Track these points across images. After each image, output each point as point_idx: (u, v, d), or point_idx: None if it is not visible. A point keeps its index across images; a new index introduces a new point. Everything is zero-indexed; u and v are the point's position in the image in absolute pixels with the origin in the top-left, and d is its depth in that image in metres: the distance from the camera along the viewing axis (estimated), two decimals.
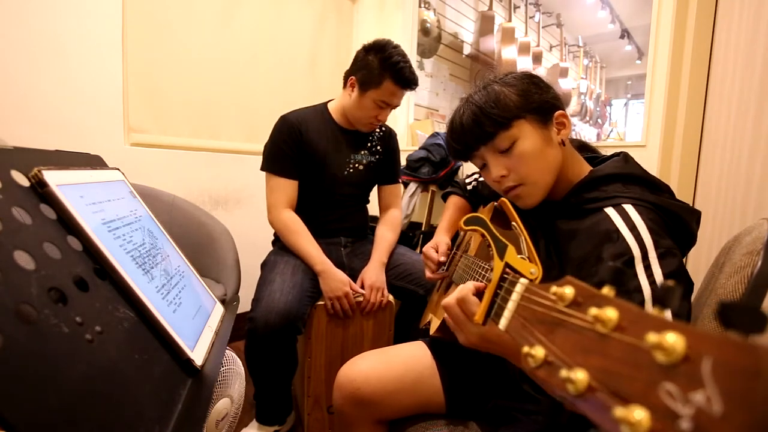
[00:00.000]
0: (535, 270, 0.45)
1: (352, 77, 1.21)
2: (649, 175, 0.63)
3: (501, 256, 0.47)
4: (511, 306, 0.36)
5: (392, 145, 1.39)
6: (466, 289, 0.53)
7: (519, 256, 0.47)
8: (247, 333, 1.06)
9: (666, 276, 0.51)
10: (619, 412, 0.19)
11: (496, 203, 0.82)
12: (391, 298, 1.24)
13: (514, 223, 0.63)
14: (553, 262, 0.65)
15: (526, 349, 0.28)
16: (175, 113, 1.70)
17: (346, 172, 1.30)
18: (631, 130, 2.69)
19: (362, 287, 1.20)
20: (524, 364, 0.28)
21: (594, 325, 0.23)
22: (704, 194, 1.29)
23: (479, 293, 0.53)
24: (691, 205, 0.61)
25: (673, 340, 0.18)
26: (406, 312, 1.34)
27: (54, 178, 0.43)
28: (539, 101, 0.64)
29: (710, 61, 1.29)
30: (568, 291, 0.27)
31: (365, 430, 0.77)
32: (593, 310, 0.24)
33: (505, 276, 0.43)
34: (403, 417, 0.78)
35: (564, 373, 0.23)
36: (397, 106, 1.24)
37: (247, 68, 1.90)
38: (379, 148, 1.35)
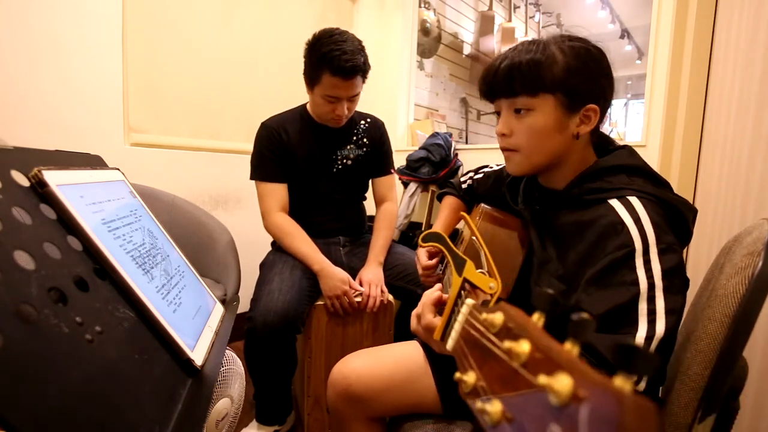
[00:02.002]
0: (494, 284, 0.44)
1: (304, 76, 1.20)
2: (651, 169, 0.63)
3: (459, 272, 0.46)
4: (457, 327, 0.36)
5: (379, 135, 1.36)
6: (427, 303, 0.55)
7: (479, 270, 0.46)
8: (246, 333, 1.06)
9: (664, 272, 0.51)
10: None
11: (480, 206, 0.82)
12: (390, 298, 1.24)
13: (473, 238, 0.62)
14: (549, 255, 0.65)
15: (457, 375, 0.28)
16: (175, 113, 1.70)
17: (334, 169, 1.30)
18: (631, 130, 2.70)
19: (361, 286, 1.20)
20: (459, 389, 0.27)
21: (511, 359, 0.23)
22: (704, 194, 1.29)
23: (442, 302, 0.54)
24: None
25: (564, 383, 0.18)
26: (405, 312, 1.34)
27: (54, 178, 0.43)
28: (579, 85, 0.60)
29: (710, 61, 1.29)
30: (498, 318, 0.26)
31: (359, 427, 0.78)
32: (507, 343, 0.24)
33: (462, 292, 0.43)
34: (397, 415, 0.78)
35: (480, 403, 0.23)
36: (351, 96, 1.17)
37: (247, 68, 1.90)
38: (365, 140, 1.33)
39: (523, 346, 0.22)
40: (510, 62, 0.61)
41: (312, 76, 1.15)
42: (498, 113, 0.67)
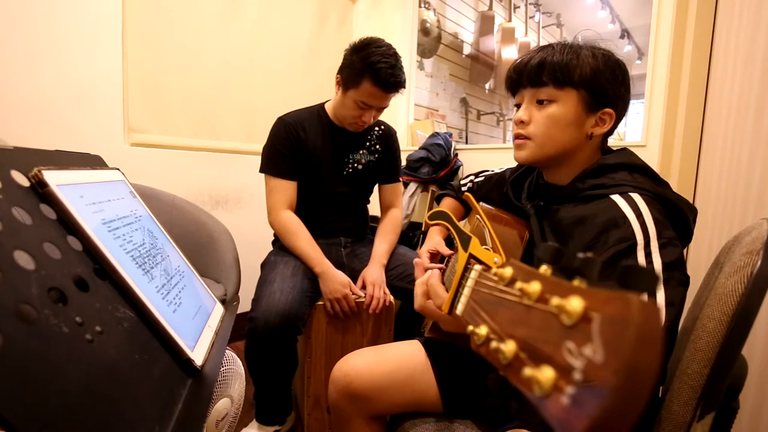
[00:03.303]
0: (498, 259, 0.46)
1: (338, 75, 1.21)
2: (651, 169, 0.65)
3: (465, 248, 0.48)
4: (466, 292, 0.38)
5: (392, 143, 1.38)
6: (433, 285, 0.58)
7: (483, 246, 0.48)
8: (247, 333, 1.06)
9: (665, 265, 0.52)
10: (528, 371, 0.21)
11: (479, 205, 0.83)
12: (391, 298, 1.24)
13: (477, 216, 0.64)
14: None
15: (470, 328, 0.29)
16: (175, 113, 1.70)
17: (345, 172, 1.30)
18: (631, 130, 2.69)
19: (363, 287, 1.20)
20: (471, 343, 0.29)
21: (522, 298, 0.25)
22: (704, 194, 1.29)
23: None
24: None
25: (576, 303, 0.20)
26: (406, 312, 1.34)
27: (54, 178, 0.43)
28: (603, 87, 0.63)
29: (710, 61, 1.29)
30: (507, 271, 0.29)
31: (359, 425, 0.78)
32: (518, 284, 0.25)
33: (468, 266, 0.44)
34: (397, 413, 0.78)
35: (495, 344, 0.25)
36: (382, 108, 1.21)
37: (247, 68, 1.90)
38: (378, 147, 1.34)
39: (534, 286, 0.24)
40: (542, 58, 0.65)
41: (350, 79, 1.15)
42: (518, 106, 0.70)
